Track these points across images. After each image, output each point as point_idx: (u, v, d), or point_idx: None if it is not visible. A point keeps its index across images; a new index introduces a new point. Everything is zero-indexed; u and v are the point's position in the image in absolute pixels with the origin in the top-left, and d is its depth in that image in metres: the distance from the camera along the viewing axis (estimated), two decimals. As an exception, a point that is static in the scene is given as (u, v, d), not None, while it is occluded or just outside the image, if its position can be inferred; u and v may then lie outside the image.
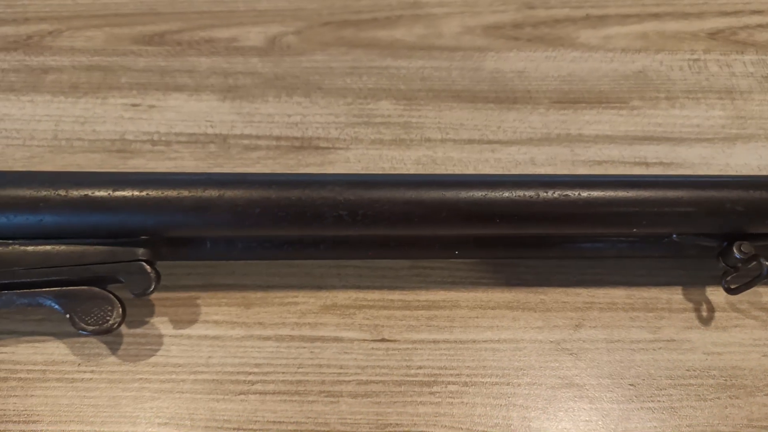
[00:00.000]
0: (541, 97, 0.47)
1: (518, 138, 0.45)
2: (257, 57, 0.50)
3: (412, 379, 0.36)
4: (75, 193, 0.33)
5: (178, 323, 0.38)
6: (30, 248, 0.34)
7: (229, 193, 0.34)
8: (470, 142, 0.45)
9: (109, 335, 0.37)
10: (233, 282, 0.39)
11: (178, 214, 0.34)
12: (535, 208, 0.34)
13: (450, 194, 0.33)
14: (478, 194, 0.33)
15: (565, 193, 0.34)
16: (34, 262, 0.34)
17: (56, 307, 0.35)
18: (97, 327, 0.35)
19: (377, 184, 0.34)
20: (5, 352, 0.37)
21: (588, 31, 0.51)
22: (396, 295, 0.39)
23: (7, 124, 0.46)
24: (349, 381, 0.36)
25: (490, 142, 0.45)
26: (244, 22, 0.52)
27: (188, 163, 0.44)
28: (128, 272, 0.35)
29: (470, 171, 0.44)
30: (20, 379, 0.37)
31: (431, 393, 0.36)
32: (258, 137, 0.46)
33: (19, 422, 0.35)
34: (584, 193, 0.34)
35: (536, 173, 0.43)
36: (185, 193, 0.33)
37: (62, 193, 0.33)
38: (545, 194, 0.34)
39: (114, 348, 0.37)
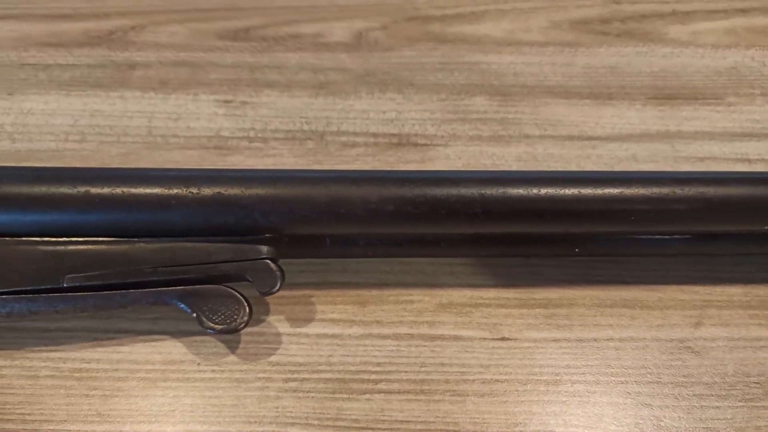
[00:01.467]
0: (636, 92, 0.47)
1: (617, 134, 0.45)
2: (345, 53, 0.49)
3: (536, 378, 0.36)
4: (207, 190, 0.33)
5: (294, 321, 0.38)
6: (156, 246, 0.34)
7: (362, 191, 0.33)
8: (570, 138, 0.45)
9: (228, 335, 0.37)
10: (346, 280, 0.39)
11: (311, 212, 0.33)
12: (671, 206, 0.33)
13: (586, 191, 0.33)
14: (614, 191, 0.33)
15: (700, 190, 0.33)
16: (162, 261, 0.34)
17: (182, 306, 0.35)
18: (225, 326, 0.34)
19: (511, 181, 0.33)
20: (122, 352, 0.37)
21: (676, 27, 0.51)
22: (511, 293, 0.39)
23: (99, 120, 0.46)
24: (474, 380, 0.36)
25: (589, 138, 0.45)
26: (328, 18, 0.51)
27: (287, 160, 0.44)
28: (255, 270, 0.34)
29: (572, 168, 0.43)
30: (141, 378, 0.36)
31: (557, 392, 0.36)
32: (355, 134, 0.45)
33: (143, 422, 0.35)
34: (720, 190, 0.33)
35: (643, 170, 0.43)
36: (320, 190, 0.33)
37: (194, 191, 0.33)
38: (681, 191, 0.33)
39: (232, 347, 0.37)
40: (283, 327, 0.38)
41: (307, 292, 0.39)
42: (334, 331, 0.38)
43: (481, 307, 0.38)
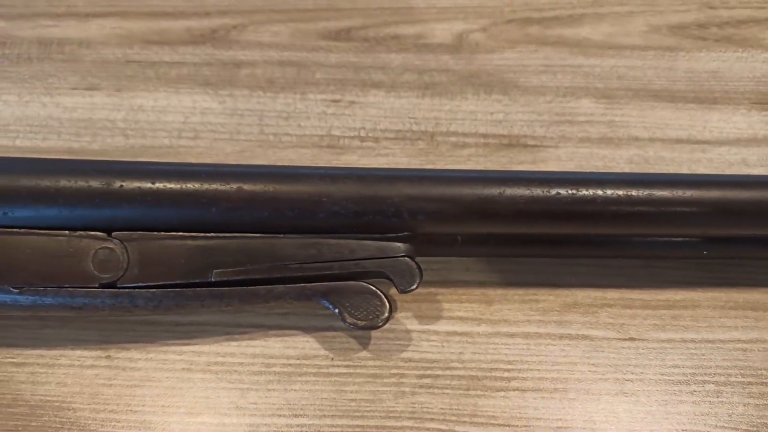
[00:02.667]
0: (740, 97, 0.47)
1: (726, 138, 0.45)
2: (448, 54, 0.50)
3: (667, 378, 0.37)
4: (358, 189, 0.34)
5: (422, 319, 0.38)
6: (302, 242, 0.35)
7: (510, 191, 0.34)
8: (679, 141, 0.45)
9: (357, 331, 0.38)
10: (470, 278, 0.40)
11: (458, 211, 0.34)
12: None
13: (731, 194, 0.34)
14: (757, 194, 0.34)
15: None
16: (307, 257, 0.34)
17: (323, 302, 0.35)
18: (367, 322, 0.35)
19: (656, 183, 0.34)
20: (255, 346, 0.38)
21: (774, 32, 0.51)
22: (635, 294, 0.39)
23: (210, 117, 0.47)
24: (606, 379, 0.37)
25: (698, 142, 0.45)
26: (427, 19, 0.52)
27: (400, 159, 0.45)
28: (394, 268, 0.35)
29: (684, 171, 0.44)
30: (276, 372, 0.37)
31: (690, 392, 0.36)
32: (465, 134, 0.46)
33: (283, 415, 0.36)
34: None
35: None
36: (467, 190, 0.34)
37: (344, 188, 0.34)
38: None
39: (363, 343, 0.38)
40: (412, 324, 0.38)
41: (432, 290, 0.39)
42: (463, 329, 0.38)
43: (606, 307, 0.39)
